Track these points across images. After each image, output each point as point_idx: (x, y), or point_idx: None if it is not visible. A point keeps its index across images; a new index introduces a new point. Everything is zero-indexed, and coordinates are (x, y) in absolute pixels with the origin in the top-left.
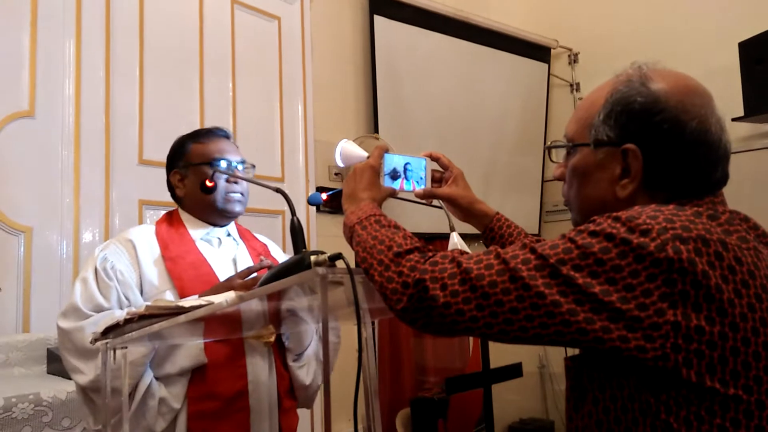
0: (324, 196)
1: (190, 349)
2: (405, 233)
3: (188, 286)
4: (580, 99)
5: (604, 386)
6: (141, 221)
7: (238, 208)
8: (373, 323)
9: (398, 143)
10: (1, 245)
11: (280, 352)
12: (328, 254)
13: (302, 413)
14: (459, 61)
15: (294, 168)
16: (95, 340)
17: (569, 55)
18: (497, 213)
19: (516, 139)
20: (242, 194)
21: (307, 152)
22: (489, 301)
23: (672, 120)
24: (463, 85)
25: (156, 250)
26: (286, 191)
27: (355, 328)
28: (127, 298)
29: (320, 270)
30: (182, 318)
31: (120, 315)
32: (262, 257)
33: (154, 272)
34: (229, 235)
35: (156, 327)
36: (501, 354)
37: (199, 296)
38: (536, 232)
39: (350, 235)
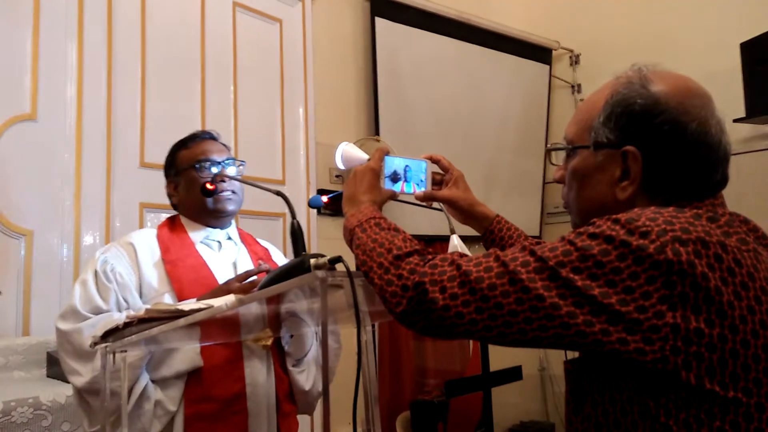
0: (325, 198)
1: (186, 352)
2: (405, 236)
3: (187, 289)
4: (582, 100)
5: (604, 389)
6: (142, 224)
7: (230, 206)
8: (373, 326)
9: (399, 146)
10: (1, 248)
11: (279, 355)
12: (328, 257)
13: (302, 417)
14: (460, 63)
15: (295, 170)
16: (94, 343)
17: (570, 57)
18: (497, 215)
19: (517, 141)
20: (233, 192)
21: (308, 155)
22: (488, 304)
23: (672, 122)
24: (465, 87)
25: (157, 253)
26: (287, 194)
27: (355, 331)
28: (125, 301)
29: (320, 273)
30: (182, 321)
31: (118, 317)
32: (260, 261)
33: (153, 275)
34: (229, 238)
35: (155, 330)
36: (501, 357)
37: (198, 299)
38: (537, 234)
39: (350, 238)
